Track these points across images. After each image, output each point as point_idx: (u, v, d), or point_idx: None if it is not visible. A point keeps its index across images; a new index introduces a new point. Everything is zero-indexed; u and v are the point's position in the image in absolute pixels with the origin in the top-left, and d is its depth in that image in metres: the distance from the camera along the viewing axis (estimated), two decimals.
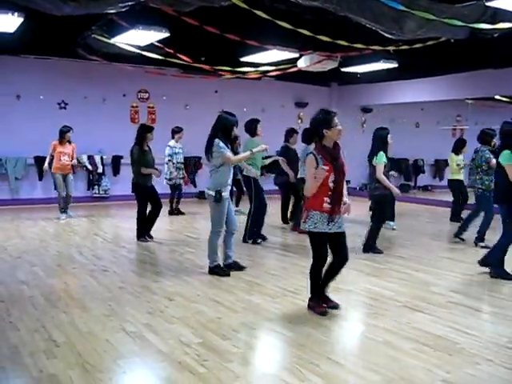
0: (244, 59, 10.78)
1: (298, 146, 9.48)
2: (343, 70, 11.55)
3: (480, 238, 7.97)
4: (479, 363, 3.86)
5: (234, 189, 10.33)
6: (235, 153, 6.58)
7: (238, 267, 6.49)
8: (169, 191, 11.14)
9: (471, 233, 8.31)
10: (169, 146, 10.88)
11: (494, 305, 5.37)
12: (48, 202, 11.31)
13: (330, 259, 4.93)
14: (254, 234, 8.27)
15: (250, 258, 7.44)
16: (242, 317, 4.81)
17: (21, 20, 7.52)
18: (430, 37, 7.95)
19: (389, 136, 7.53)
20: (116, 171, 13.16)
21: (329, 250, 4.88)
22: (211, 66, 10.71)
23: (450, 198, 10.69)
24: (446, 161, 12.01)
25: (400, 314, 4.95)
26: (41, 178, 12.16)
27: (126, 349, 4.03)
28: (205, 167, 6.75)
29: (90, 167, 12.74)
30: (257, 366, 3.81)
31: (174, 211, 11.29)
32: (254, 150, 6.53)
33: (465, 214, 9.20)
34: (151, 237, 8.39)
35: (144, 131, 8.24)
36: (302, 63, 10.38)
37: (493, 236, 7.16)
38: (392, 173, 8.33)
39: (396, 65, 10.99)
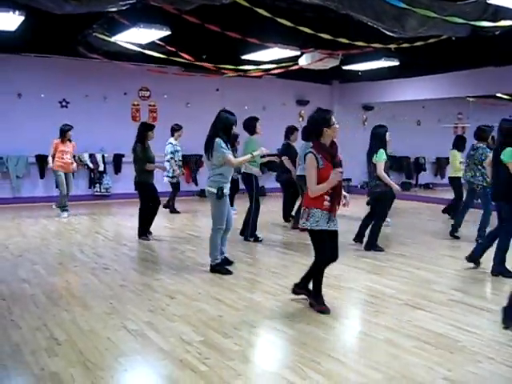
0: (245, 57, 10.78)
1: (297, 144, 9.48)
2: (344, 67, 11.54)
3: (481, 235, 7.97)
4: (481, 361, 3.86)
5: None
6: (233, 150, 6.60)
7: (228, 262, 6.53)
8: (166, 189, 11.04)
9: (474, 230, 8.30)
10: (170, 144, 10.88)
11: (496, 303, 5.34)
12: (49, 200, 11.31)
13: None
14: (254, 231, 8.27)
15: (251, 256, 7.46)
16: (244, 315, 4.81)
17: (22, 18, 7.52)
18: (432, 35, 7.93)
19: (387, 134, 7.56)
20: (117, 169, 13.16)
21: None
22: (212, 64, 10.71)
23: (451, 195, 10.66)
24: (448, 159, 11.97)
25: (401, 312, 4.95)
26: (42, 176, 12.19)
27: (128, 347, 4.04)
28: (205, 165, 6.77)
29: (91, 165, 12.75)
30: (258, 364, 3.81)
31: (171, 209, 11.29)
32: (255, 154, 6.56)
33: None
34: (151, 233, 8.42)
35: (145, 129, 8.25)
36: (304, 61, 10.37)
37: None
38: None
39: (397, 63, 10.99)
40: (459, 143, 10.14)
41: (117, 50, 10.20)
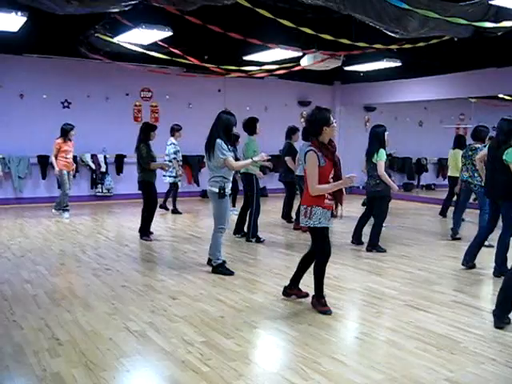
0: (247, 58, 10.79)
1: (297, 144, 9.48)
2: (346, 68, 11.55)
3: None
4: (483, 362, 3.86)
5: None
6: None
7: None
8: (163, 189, 11.06)
9: (474, 230, 8.28)
10: (173, 144, 10.89)
11: None
12: (51, 200, 11.29)
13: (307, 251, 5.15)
14: (256, 232, 8.29)
15: (253, 256, 7.46)
16: (245, 315, 4.81)
17: (24, 19, 7.54)
18: (434, 35, 7.94)
19: (386, 133, 7.60)
20: (119, 170, 13.15)
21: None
22: (214, 64, 10.72)
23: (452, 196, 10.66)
24: None
25: (403, 313, 4.95)
26: (44, 176, 12.19)
27: (129, 347, 4.04)
28: (206, 166, 6.77)
29: (93, 166, 12.74)
30: (260, 365, 3.81)
31: (166, 209, 11.31)
32: (255, 159, 6.63)
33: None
34: (152, 233, 8.48)
35: (149, 129, 8.30)
36: (305, 62, 10.38)
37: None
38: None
39: (399, 63, 10.99)
40: (461, 142, 10.19)
41: (119, 51, 10.22)
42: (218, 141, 6.05)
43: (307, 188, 4.82)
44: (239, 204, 10.55)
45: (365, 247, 7.78)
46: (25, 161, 11.99)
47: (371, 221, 7.90)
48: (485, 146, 7.86)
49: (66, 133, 10.19)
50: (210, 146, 6.13)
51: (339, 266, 6.68)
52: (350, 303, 5.22)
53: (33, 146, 11.85)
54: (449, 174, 10.56)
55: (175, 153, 10.87)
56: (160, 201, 9.74)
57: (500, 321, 4.59)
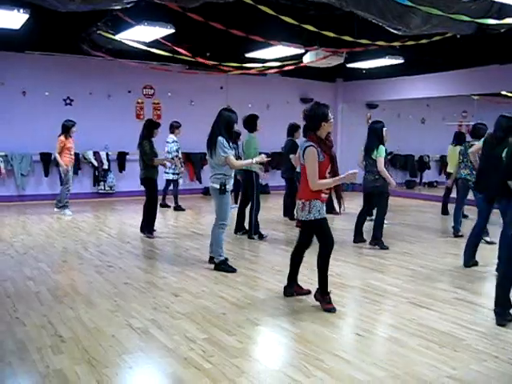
0: (249, 55, 10.77)
1: (298, 141, 9.50)
2: (348, 65, 11.52)
3: (485, 231, 7.94)
4: (485, 360, 3.85)
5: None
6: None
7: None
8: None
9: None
10: (175, 142, 10.91)
11: None
12: (54, 198, 11.30)
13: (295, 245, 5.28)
14: (258, 228, 8.30)
15: (255, 253, 7.46)
16: (247, 312, 4.81)
17: (26, 16, 7.54)
18: (436, 32, 7.91)
19: (384, 129, 7.66)
20: (121, 167, 13.16)
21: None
22: (216, 61, 10.71)
23: (454, 193, 10.64)
24: None
25: (405, 310, 4.95)
26: (46, 174, 12.21)
27: (132, 344, 4.05)
28: (208, 162, 6.80)
29: (95, 163, 12.76)
30: (262, 362, 3.81)
31: (167, 206, 11.33)
32: (256, 160, 6.65)
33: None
34: (154, 230, 8.50)
35: (153, 126, 8.34)
36: (308, 59, 10.36)
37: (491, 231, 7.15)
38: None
39: (402, 60, 10.97)
40: (461, 138, 10.37)
41: (121, 48, 10.21)
42: (220, 138, 6.06)
43: (304, 183, 4.86)
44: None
45: (367, 244, 7.79)
46: (27, 158, 12.01)
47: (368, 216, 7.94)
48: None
49: (67, 129, 10.20)
50: (211, 144, 6.15)
51: (341, 263, 6.68)
52: (352, 300, 5.22)
53: (35, 143, 11.85)
54: (448, 170, 10.65)
55: (177, 150, 10.90)
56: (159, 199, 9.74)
57: (502, 318, 4.59)
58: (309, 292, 5.31)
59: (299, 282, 5.38)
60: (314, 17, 8.01)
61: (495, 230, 7.32)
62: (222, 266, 6.30)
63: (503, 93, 14.43)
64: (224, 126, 6.17)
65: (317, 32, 8.12)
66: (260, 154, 7.64)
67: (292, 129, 9.80)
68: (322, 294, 4.94)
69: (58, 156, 10.25)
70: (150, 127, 8.29)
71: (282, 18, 7.21)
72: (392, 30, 7.42)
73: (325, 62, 10.29)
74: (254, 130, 8.25)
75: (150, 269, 6.48)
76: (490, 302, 4.75)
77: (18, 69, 11.88)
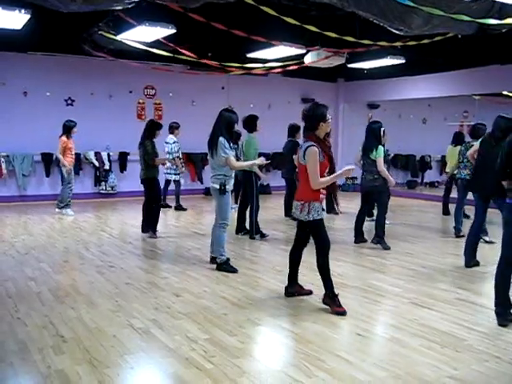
0: (251, 55, 10.77)
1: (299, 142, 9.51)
2: (350, 65, 11.51)
3: (484, 230, 7.94)
4: (487, 360, 3.85)
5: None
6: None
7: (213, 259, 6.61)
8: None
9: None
10: (176, 142, 10.92)
11: None
12: (55, 198, 11.30)
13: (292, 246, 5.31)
14: (258, 228, 8.32)
15: (256, 254, 7.47)
16: (249, 313, 4.82)
17: (28, 17, 7.54)
18: (438, 32, 7.91)
19: (382, 129, 7.71)
20: (123, 168, 13.16)
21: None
22: (218, 62, 10.71)
23: (455, 194, 10.65)
24: None
25: (407, 311, 4.95)
26: (48, 174, 12.22)
27: (133, 344, 4.05)
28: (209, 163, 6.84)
29: (96, 163, 12.76)
30: (263, 362, 3.81)
31: (168, 206, 11.34)
32: (256, 162, 6.72)
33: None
34: (157, 230, 8.50)
35: (155, 127, 8.39)
36: (309, 59, 10.36)
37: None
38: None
39: (403, 61, 10.96)
40: (460, 139, 10.41)
41: (122, 48, 10.21)
42: (221, 139, 6.08)
43: (303, 184, 4.88)
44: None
45: (368, 244, 7.81)
46: (28, 158, 12.02)
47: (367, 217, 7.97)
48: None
49: (69, 130, 10.21)
50: (212, 144, 6.17)
51: (342, 264, 6.68)
52: (354, 301, 5.21)
53: (36, 143, 11.86)
54: (446, 170, 10.71)
55: (177, 151, 10.94)
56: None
57: (503, 318, 4.59)
58: (310, 292, 5.32)
59: (300, 283, 5.37)
60: (315, 17, 8.01)
61: (495, 229, 7.32)
62: (224, 266, 6.31)
63: (504, 93, 14.42)
64: (225, 127, 6.19)
65: (318, 32, 8.12)
66: (259, 155, 7.70)
67: (293, 129, 9.83)
68: (331, 297, 4.90)
69: (60, 157, 10.24)
70: (152, 128, 8.32)
71: (284, 18, 7.21)
72: (393, 31, 7.42)
73: (326, 62, 10.30)
74: (253, 131, 8.25)
75: (151, 269, 6.48)
76: (492, 303, 4.74)
77: (19, 69, 11.89)
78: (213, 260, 6.58)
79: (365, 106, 16.78)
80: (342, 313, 4.80)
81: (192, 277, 6.05)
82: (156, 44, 9.45)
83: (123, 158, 13.10)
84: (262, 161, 6.70)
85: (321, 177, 4.80)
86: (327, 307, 4.90)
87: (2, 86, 11.76)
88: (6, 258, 6.83)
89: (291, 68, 11.13)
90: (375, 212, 8.14)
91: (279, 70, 11.56)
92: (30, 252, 7.19)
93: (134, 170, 11.53)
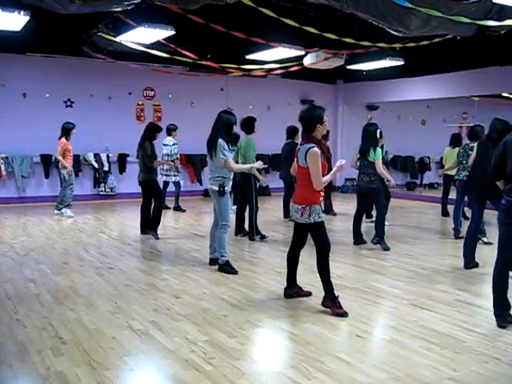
0: (250, 57, 10.78)
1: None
2: (349, 67, 11.53)
3: (482, 231, 7.95)
4: (486, 361, 3.85)
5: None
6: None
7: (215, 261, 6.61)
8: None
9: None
10: (175, 144, 10.93)
11: None
12: (54, 199, 11.30)
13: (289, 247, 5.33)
14: (258, 229, 8.32)
15: (255, 255, 7.46)
16: (248, 314, 4.81)
17: (27, 18, 7.55)
18: (437, 34, 7.93)
19: (377, 131, 7.75)
20: (122, 169, 13.17)
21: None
22: (217, 63, 10.71)
23: (454, 195, 10.65)
24: None
25: (406, 312, 4.94)
26: (47, 175, 12.23)
27: (133, 346, 4.04)
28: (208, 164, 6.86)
29: (96, 165, 12.76)
30: (263, 364, 3.81)
31: (167, 208, 11.36)
32: (255, 165, 6.80)
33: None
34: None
35: (155, 130, 8.46)
36: (308, 61, 10.37)
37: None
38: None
39: (402, 62, 10.98)
40: (458, 140, 10.53)
41: (121, 50, 10.22)
42: (220, 141, 6.09)
43: (303, 186, 4.88)
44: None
45: (367, 246, 7.81)
46: (28, 160, 12.01)
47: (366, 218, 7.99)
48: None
49: (68, 132, 10.23)
50: (212, 146, 6.18)
51: (342, 265, 6.67)
52: (353, 302, 5.21)
53: (36, 145, 11.86)
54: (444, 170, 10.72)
55: (176, 153, 10.97)
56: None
57: (502, 319, 4.59)
58: (309, 294, 5.31)
59: (299, 284, 5.37)
60: (314, 19, 8.02)
61: (492, 230, 7.30)
62: (225, 267, 6.31)
63: (504, 94, 14.44)
64: (224, 129, 6.20)
65: (317, 34, 8.12)
66: (257, 157, 7.71)
67: (293, 131, 9.85)
68: (332, 299, 4.89)
69: (61, 159, 10.24)
70: (152, 130, 8.40)
71: (283, 19, 7.21)
72: (392, 32, 7.43)
73: (325, 63, 10.31)
74: (251, 132, 8.25)
75: (150, 270, 6.47)
76: (491, 304, 4.73)
77: (18, 71, 11.90)
78: (212, 262, 6.58)
79: (364, 108, 16.78)
80: (343, 314, 4.79)
81: (191, 278, 6.05)
82: (155, 45, 9.45)
83: (122, 160, 13.10)
84: (260, 164, 6.74)
85: None
86: (327, 309, 4.89)
87: (1, 87, 11.77)
88: (5, 260, 6.83)
89: (290, 70, 11.13)
90: (374, 213, 8.16)
91: (278, 71, 11.56)
92: (29, 253, 7.19)
93: (133, 172, 11.52)
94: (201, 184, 14.07)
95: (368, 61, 11.10)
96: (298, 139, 9.53)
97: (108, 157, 12.89)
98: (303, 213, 4.84)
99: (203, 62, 10.21)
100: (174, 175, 11.04)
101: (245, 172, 7.96)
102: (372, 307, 5.13)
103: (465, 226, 8.63)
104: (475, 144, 7.98)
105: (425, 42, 8.55)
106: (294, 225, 5.18)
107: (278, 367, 3.75)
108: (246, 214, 8.49)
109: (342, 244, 7.94)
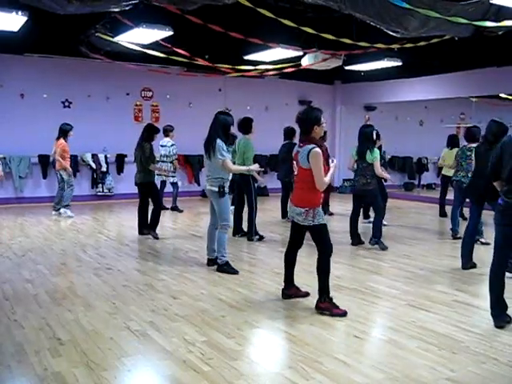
0: (248, 57, 10.79)
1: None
2: (347, 68, 11.54)
3: (480, 232, 7.96)
4: (484, 362, 3.85)
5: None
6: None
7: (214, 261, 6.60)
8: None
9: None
10: (174, 145, 10.93)
11: None
12: (52, 200, 11.30)
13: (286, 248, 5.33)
14: (256, 230, 8.32)
15: (254, 256, 7.46)
16: (246, 315, 4.81)
17: (25, 19, 7.54)
18: (434, 35, 7.94)
19: (374, 132, 7.81)
20: (120, 170, 13.16)
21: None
22: (215, 64, 10.71)
23: (451, 195, 10.67)
24: None
25: (404, 313, 4.95)
26: (45, 176, 12.21)
27: (130, 347, 4.04)
28: (205, 165, 6.84)
29: (93, 166, 12.75)
30: (261, 365, 3.81)
31: (165, 208, 11.37)
32: (252, 168, 6.85)
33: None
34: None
35: (154, 131, 8.49)
36: (306, 61, 10.38)
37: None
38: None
39: (400, 63, 10.99)
40: (455, 141, 10.55)
41: (119, 50, 10.22)
42: (219, 141, 6.10)
43: (306, 189, 4.85)
44: None
45: (365, 246, 7.84)
46: (25, 160, 12.00)
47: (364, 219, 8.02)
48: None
49: (66, 133, 10.24)
50: (210, 147, 6.17)
51: (340, 266, 6.67)
52: (351, 302, 5.21)
53: (33, 145, 11.85)
54: (443, 172, 10.81)
55: (176, 153, 10.99)
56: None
57: (500, 320, 4.60)
58: (307, 294, 5.31)
59: (297, 285, 5.37)
60: (312, 19, 8.03)
61: (490, 231, 7.31)
62: (225, 267, 6.31)
63: (501, 95, 14.46)
64: (221, 129, 6.20)
65: (315, 34, 8.14)
66: (254, 158, 7.73)
67: (290, 132, 9.86)
68: (330, 301, 4.88)
69: (62, 160, 10.23)
70: (151, 131, 8.44)
71: (281, 20, 7.22)
72: (390, 33, 7.45)
73: (323, 64, 10.32)
74: (248, 132, 8.24)
75: (148, 271, 6.47)
76: (488, 304, 4.74)
77: (16, 71, 11.88)
78: (210, 262, 6.58)
79: (362, 108, 16.78)
80: (343, 314, 4.80)
81: (189, 279, 6.04)
82: (153, 46, 9.45)
83: (120, 160, 13.10)
84: (256, 167, 6.79)
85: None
86: (324, 311, 4.87)
87: None
88: (3, 260, 6.82)
89: (288, 70, 11.14)
90: (372, 214, 8.19)
91: (271, 72, 11.57)
92: (27, 254, 7.18)
93: (131, 172, 11.49)
94: (198, 184, 14.07)
95: (366, 61, 11.11)
96: (296, 140, 9.53)
97: (106, 157, 12.89)
98: (307, 215, 4.82)
99: (199, 62, 10.20)
100: (172, 176, 11.06)
101: (244, 173, 7.97)
102: (370, 308, 5.14)
103: (462, 226, 8.69)
104: (473, 145, 8.01)
105: (422, 43, 8.57)
106: (292, 225, 5.18)
107: (276, 368, 3.75)
108: (244, 214, 8.48)
109: (339, 244, 7.93)
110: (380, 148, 8.84)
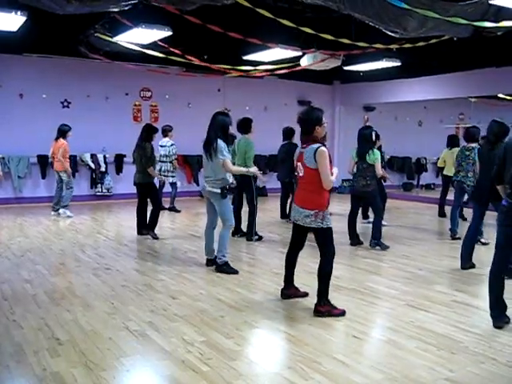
0: (247, 58, 10.78)
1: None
2: (346, 68, 11.54)
3: (480, 232, 7.96)
4: (483, 362, 3.85)
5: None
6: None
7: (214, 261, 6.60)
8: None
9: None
10: (173, 145, 10.93)
11: None
12: (51, 200, 11.29)
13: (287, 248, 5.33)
14: (255, 231, 8.33)
15: (253, 256, 7.46)
16: (245, 315, 4.81)
17: (24, 19, 7.53)
18: (433, 35, 7.94)
19: (373, 133, 7.84)
20: (119, 170, 13.15)
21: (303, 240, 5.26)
22: (214, 64, 10.71)
23: (451, 196, 10.67)
24: None
25: (403, 313, 4.95)
26: (44, 176, 12.20)
27: (129, 347, 4.04)
28: (204, 165, 6.85)
29: (92, 166, 12.75)
30: (260, 365, 3.80)
31: (164, 208, 11.38)
32: (251, 170, 6.93)
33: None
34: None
35: (153, 131, 8.50)
36: (305, 61, 10.38)
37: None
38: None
39: (399, 63, 11.00)
40: (455, 142, 10.61)
41: (118, 51, 10.21)
42: (220, 142, 6.09)
43: (312, 190, 4.81)
44: None
45: (364, 246, 7.85)
46: (24, 160, 11.99)
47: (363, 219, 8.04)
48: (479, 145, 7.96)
49: (64, 134, 10.25)
50: (210, 148, 6.14)
51: (339, 266, 6.64)
52: (350, 303, 5.21)
53: (32, 145, 11.83)
54: (444, 172, 10.79)
55: (175, 153, 10.99)
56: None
57: (499, 320, 4.60)
58: (306, 294, 5.31)
59: (296, 285, 5.37)
60: (311, 19, 8.03)
61: (489, 231, 7.33)
62: (225, 268, 6.30)
63: (500, 95, 14.47)
64: (220, 130, 6.18)
65: (314, 34, 8.14)
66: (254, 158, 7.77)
67: (289, 132, 9.84)
68: (329, 303, 4.86)
69: (63, 160, 10.22)
70: (150, 131, 8.46)
71: (280, 20, 7.22)
72: (389, 33, 7.45)
73: (322, 64, 10.31)
74: (248, 132, 8.24)
75: (147, 271, 6.46)
76: (487, 305, 4.74)
77: (15, 71, 11.87)
78: (209, 262, 6.58)
79: (361, 109, 16.81)
80: (343, 313, 4.81)
81: (188, 279, 6.04)
82: (152, 46, 9.45)
83: (119, 160, 13.09)
84: (255, 170, 6.83)
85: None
86: (324, 313, 4.84)
87: None
88: (2, 260, 6.81)
89: (287, 71, 11.14)
90: (371, 214, 8.21)
91: (275, 72, 11.56)
92: (26, 254, 7.17)
93: (130, 172, 11.48)
94: (197, 185, 14.05)
95: (365, 62, 11.11)
96: (295, 140, 9.53)
97: (105, 157, 12.88)
98: (316, 217, 4.77)
99: (197, 62, 10.19)
100: (172, 176, 11.06)
101: (245, 174, 7.97)
102: (369, 308, 5.14)
103: (462, 226, 8.70)
104: (472, 145, 8.03)
105: (421, 43, 8.57)
106: (294, 227, 5.13)
107: (275, 368, 3.75)
108: (243, 214, 8.48)
109: (338, 244, 7.81)
110: (380, 148, 8.85)
